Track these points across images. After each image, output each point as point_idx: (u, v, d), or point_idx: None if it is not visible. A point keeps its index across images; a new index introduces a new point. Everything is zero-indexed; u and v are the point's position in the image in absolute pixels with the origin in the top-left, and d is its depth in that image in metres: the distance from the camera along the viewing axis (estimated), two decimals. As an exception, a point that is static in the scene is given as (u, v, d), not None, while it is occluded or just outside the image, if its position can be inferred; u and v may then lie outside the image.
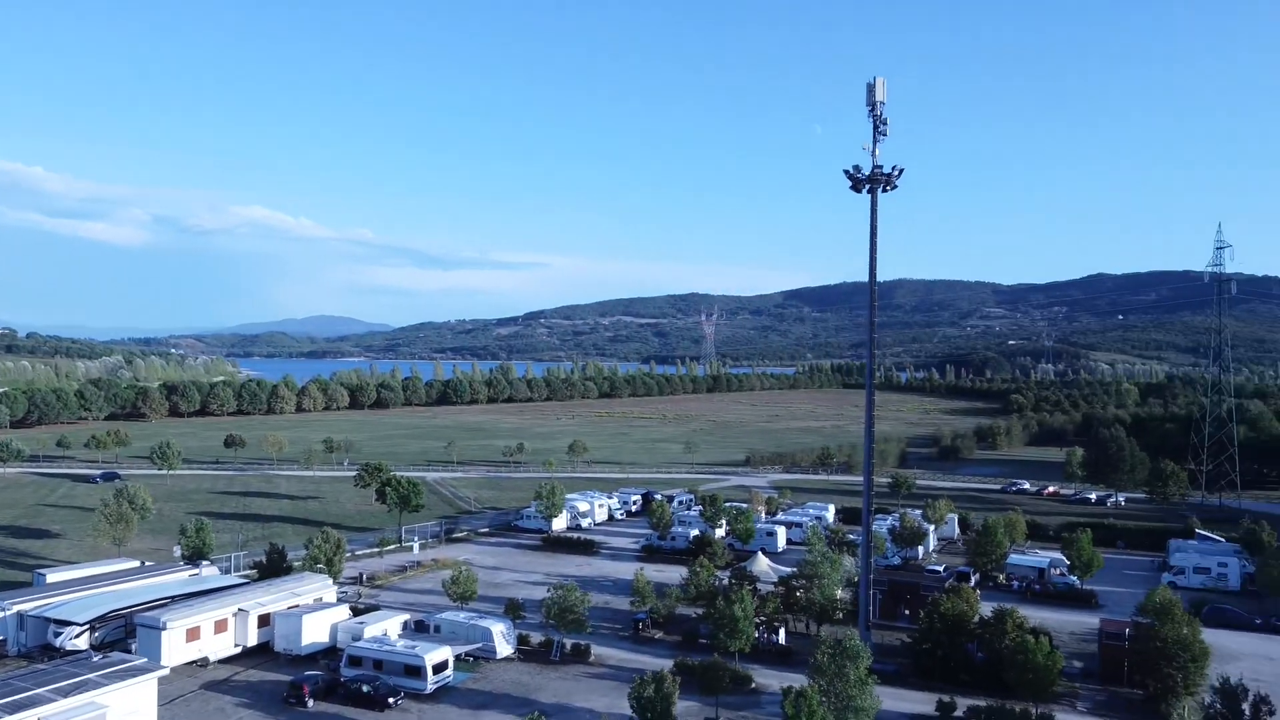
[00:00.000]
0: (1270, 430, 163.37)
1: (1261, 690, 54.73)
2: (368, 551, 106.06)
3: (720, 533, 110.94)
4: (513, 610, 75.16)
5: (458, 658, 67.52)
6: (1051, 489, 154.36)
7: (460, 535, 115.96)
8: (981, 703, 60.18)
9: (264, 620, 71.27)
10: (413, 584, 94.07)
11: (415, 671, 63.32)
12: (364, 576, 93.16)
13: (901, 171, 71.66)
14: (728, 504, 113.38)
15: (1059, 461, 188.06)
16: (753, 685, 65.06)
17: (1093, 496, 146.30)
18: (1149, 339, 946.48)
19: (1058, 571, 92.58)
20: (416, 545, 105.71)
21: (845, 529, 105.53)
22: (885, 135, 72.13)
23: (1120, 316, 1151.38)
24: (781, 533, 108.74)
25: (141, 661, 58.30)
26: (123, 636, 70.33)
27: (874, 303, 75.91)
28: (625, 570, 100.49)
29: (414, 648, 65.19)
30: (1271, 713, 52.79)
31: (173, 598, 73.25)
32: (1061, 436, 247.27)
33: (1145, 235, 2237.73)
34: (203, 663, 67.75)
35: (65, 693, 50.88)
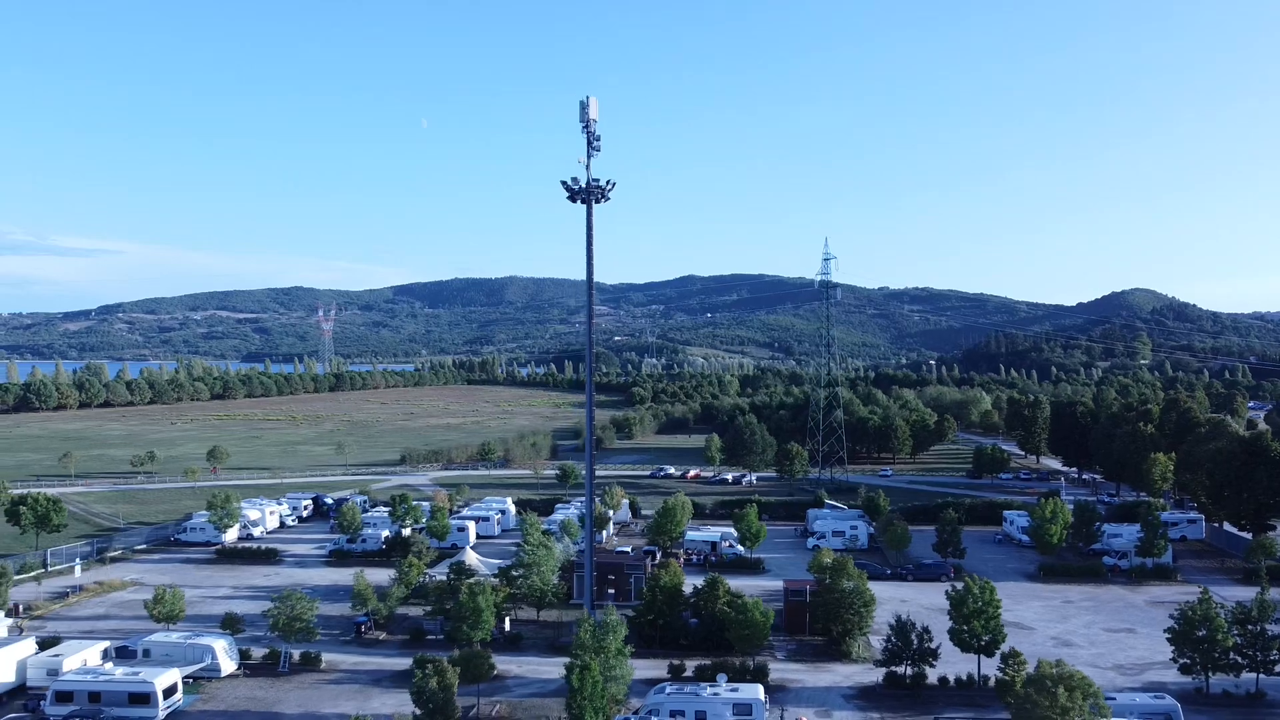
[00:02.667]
0: (859, 414, 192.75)
1: (918, 623, 67.06)
2: (17, 578, 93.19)
3: (406, 531, 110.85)
4: (231, 624, 71.21)
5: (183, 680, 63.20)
6: (694, 472, 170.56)
7: (115, 554, 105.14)
8: (706, 661, 67.91)
9: (-72, 667, 61.61)
10: (81, 610, 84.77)
11: (143, 699, 58.59)
12: (19, 606, 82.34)
13: (614, 184, 77.54)
14: (416, 503, 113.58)
15: (692, 447, 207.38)
16: (496, 672, 67.65)
17: (729, 477, 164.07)
18: (733, 335, 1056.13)
19: (727, 544, 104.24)
20: (78, 568, 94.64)
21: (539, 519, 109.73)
22: (599, 150, 77.52)
23: (709, 315, 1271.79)
24: (472, 527, 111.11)
25: None
26: None
27: (591, 305, 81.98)
28: (316, 577, 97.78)
29: (137, 674, 60.18)
30: (931, 639, 65.01)
31: None
32: (684, 424, 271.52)
33: (727, 240, 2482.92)
34: None
35: None
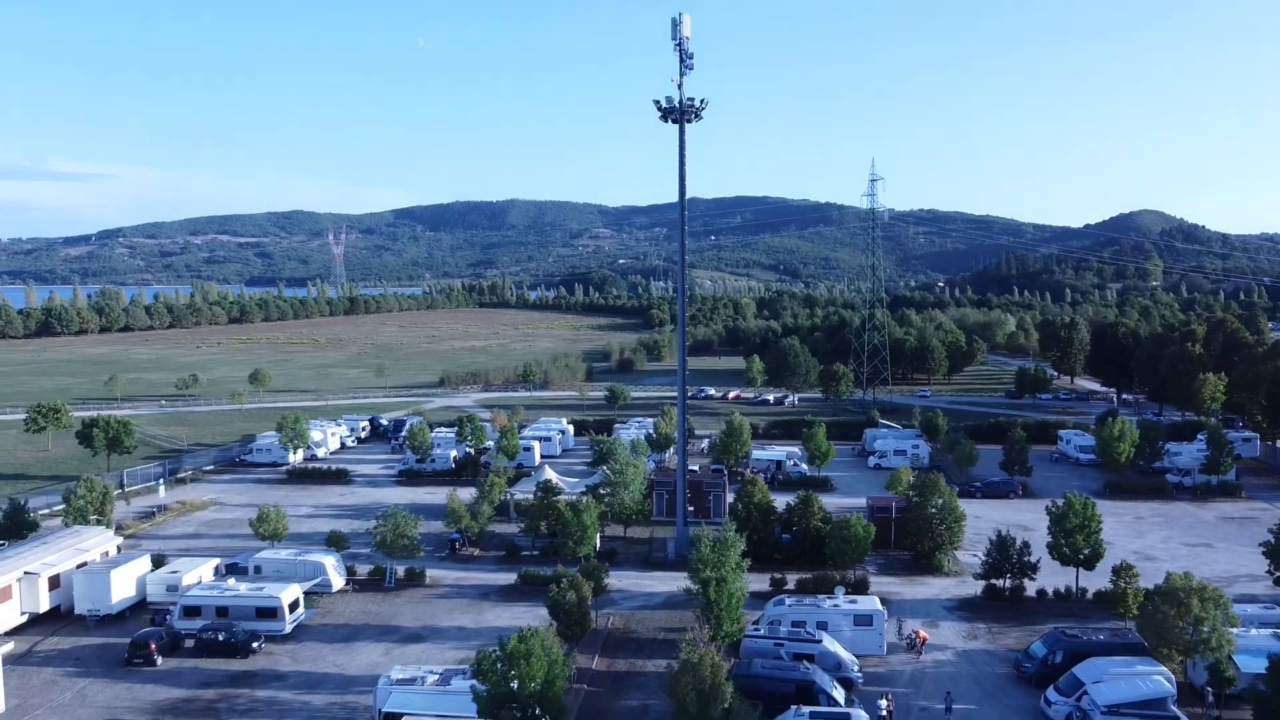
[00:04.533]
0: (894, 335, 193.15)
1: (1017, 538, 68.11)
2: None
3: (470, 452, 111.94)
4: (336, 541, 72.50)
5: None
6: (734, 393, 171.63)
7: (187, 475, 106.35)
8: (806, 574, 69.29)
9: (54, 582, 62.82)
10: (170, 529, 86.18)
11: (270, 613, 59.91)
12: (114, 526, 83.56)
13: (706, 103, 76.41)
14: (483, 423, 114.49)
15: (725, 369, 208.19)
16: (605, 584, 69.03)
17: (770, 398, 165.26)
18: (738, 258, 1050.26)
19: (792, 463, 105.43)
20: (162, 488, 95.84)
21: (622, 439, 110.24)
22: (691, 69, 76.23)
23: (712, 238, 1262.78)
24: (537, 447, 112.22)
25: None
26: None
27: (684, 227, 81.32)
28: (391, 496, 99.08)
29: (261, 589, 61.47)
30: (1030, 553, 66.20)
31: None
32: (709, 346, 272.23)
33: (729, 162, 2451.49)
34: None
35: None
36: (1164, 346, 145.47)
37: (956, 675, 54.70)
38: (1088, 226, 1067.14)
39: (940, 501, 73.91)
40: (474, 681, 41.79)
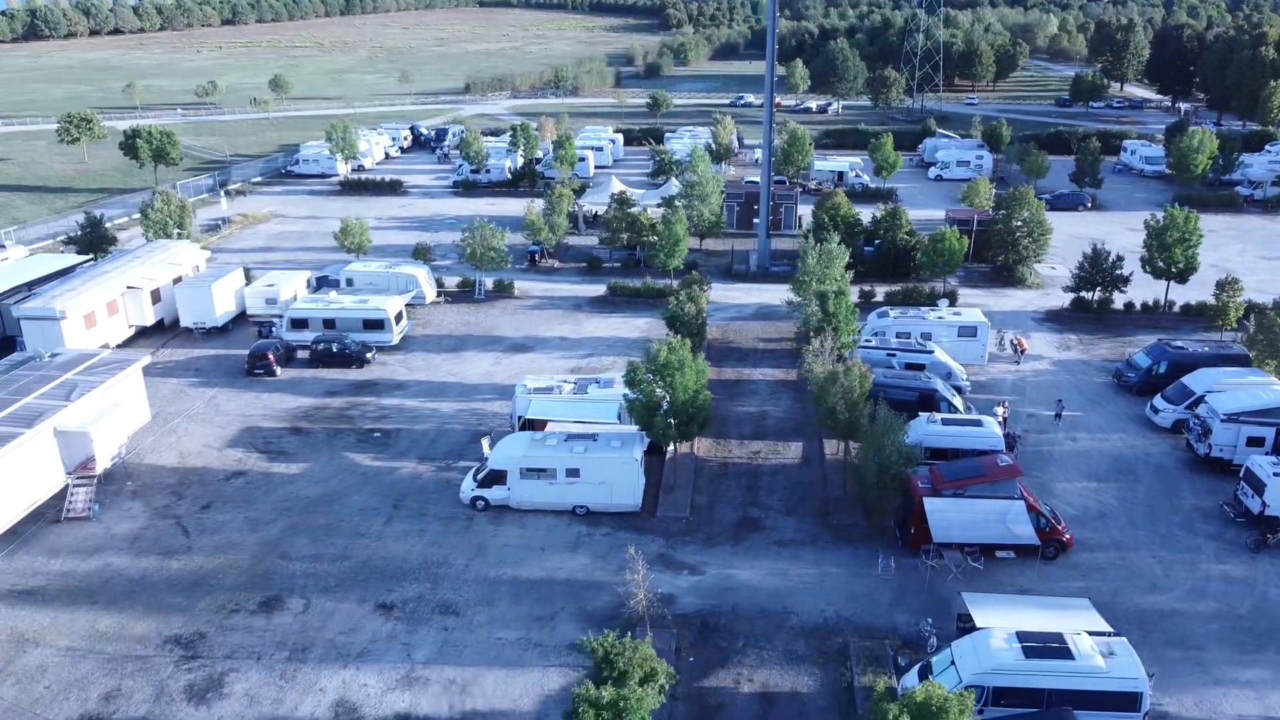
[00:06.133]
0: (938, 37, 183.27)
1: (1114, 251, 67.64)
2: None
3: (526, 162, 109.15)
4: (422, 254, 72.29)
5: (401, 307, 65.11)
6: (775, 99, 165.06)
7: (236, 187, 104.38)
8: (896, 287, 69.72)
9: (155, 296, 63.12)
10: (239, 243, 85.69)
11: (378, 325, 60.76)
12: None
13: None
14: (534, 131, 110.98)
15: (756, 74, 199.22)
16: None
17: (813, 106, 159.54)
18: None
19: (855, 174, 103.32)
20: (223, 201, 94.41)
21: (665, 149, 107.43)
22: None
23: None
24: (591, 156, 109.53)
25: (108, 354, 50.98)
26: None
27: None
28: (451, 207, 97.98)
29: (366, 301, 61.93)
30: (1122, 265, 66.09)
31: (28, 284, 62.18)
32: (734, 49, 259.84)
33: None
34: (98, 350, 59.78)
35: (68, 394, 44.05)
36: (1233, 51, 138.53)
37: (1057, 384, 56.29)
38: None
39: (1027, 214, 73.01)
40: (625, 390, 42.79)
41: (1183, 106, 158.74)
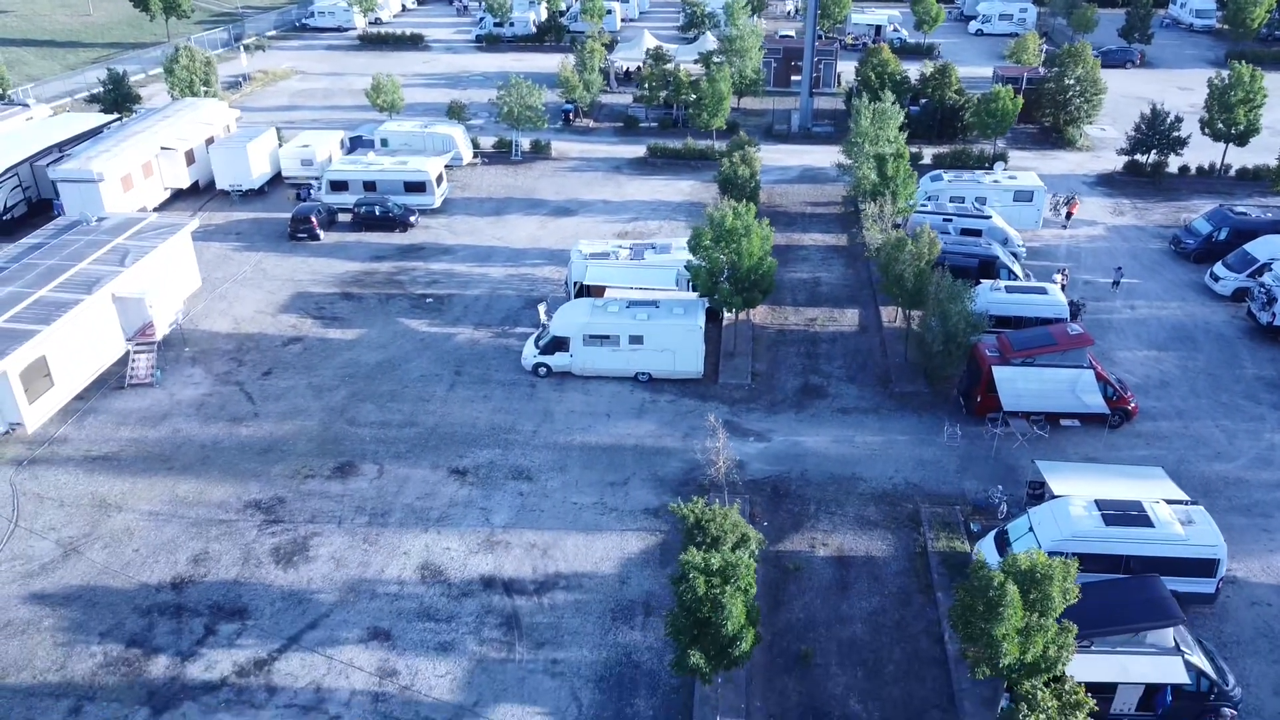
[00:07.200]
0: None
1: (1173, 112, 65.38)
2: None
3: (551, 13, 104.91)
4: (457, 112, 70.17)
5: (440, 168, 63.63)
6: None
7: (250, 42, 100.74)
8: (944, 149, 67.92)
9: (189, 157, 61.66)
10: (262, 101, 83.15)
11: (419, 187, 59.54)
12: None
13: None
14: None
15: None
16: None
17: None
18: None
19: (893, 28, 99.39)
20: (244, 57, 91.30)
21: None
22: None
23: None
24: (618, 8, 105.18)
25: (155, 217, 50.16)
26: (18, 200, 58.23)
27: None
28: (477, 63, 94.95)
29: (405, 162, 60.47)
30: (1181, 127, 63.94)
31: (59, 145, 60.68)
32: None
33: None
34: (142, 213, 58.79)
35: (121, 259, 43.50)
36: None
37: (1112, 250, 55.37)
38: None
39: (1081, 72, 70.42)
40: (689, 257, 42.13)
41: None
